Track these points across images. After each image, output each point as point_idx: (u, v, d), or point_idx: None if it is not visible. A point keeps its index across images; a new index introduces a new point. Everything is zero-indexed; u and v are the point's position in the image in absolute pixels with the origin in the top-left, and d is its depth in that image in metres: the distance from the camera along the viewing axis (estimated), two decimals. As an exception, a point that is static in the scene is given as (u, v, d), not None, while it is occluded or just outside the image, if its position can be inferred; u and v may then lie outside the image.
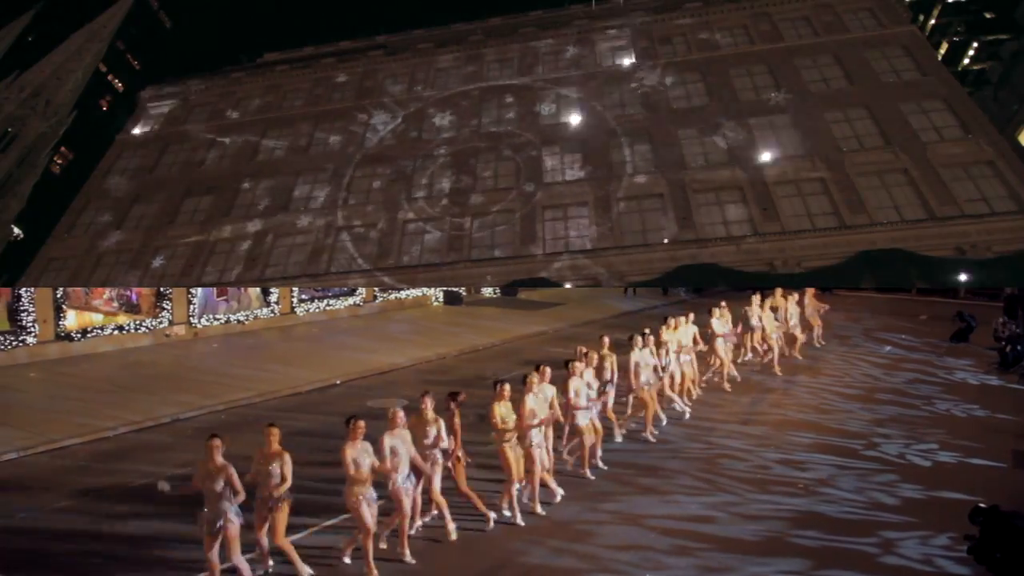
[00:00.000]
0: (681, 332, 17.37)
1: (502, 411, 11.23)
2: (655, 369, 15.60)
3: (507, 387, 11.39)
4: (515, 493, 11.38)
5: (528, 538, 10.97)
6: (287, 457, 9.26)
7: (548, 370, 12.60)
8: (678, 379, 17.09)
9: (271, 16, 47.14)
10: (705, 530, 11.30)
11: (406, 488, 9.95)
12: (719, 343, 19.29)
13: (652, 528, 11.36)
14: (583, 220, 22.82)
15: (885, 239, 20.15)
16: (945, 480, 13.39)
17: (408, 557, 10.08)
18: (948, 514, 11.39)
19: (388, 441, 9.75)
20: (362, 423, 9.47)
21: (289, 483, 9.20)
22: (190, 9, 48.97)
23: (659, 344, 16.31)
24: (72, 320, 21.73)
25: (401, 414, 9.93)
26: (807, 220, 21.32)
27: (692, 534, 11.18)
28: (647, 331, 15.95)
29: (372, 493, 9.50)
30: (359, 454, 9.39)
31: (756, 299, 21.61)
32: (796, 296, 22.99)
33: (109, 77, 46.76)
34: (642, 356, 15.23)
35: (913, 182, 21.56)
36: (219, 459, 8.69)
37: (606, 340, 15.41)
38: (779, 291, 22.19)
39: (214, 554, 8.68)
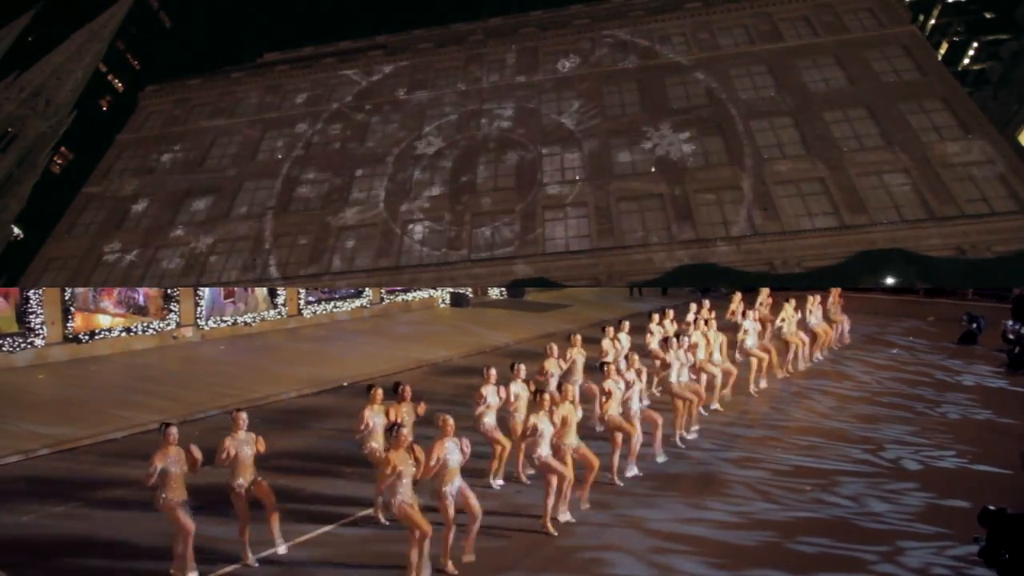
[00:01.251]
0: (713, 333, 17.44)
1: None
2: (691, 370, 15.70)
3: (547, 395, 11.44)
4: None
5: (529, 539, 11.08)
6: (257, 437, 10.02)
7: (523, 367, 12.79)
8: (718, 380, 17.29)
9: (271, 16, 47.02)
10: (708, 535, 11.34)
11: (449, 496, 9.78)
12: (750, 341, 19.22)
13: (653, 533, 11.41)
14: (583, 220, 22.94)
15: (885, 239, 20.24)
16: (953, 484, 13.41)
17: (450, 567, 9.98)
18: (955, 518, 11.49)
19: (438, 449, 9.57)
20: (405, 430, 9.53)
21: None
22: (190, 9, 48.89)
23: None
24: (80, 322, 21.77)
25: (451, 421, 9.84)
26: (807, 220, 21.44)
27: (692, 539, 11.21)
28: (683, 332, 16.12)
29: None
30: (402, 461, 9.33)
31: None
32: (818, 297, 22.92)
33: (109, 77, 46.66)
34: (677, 357, 15.23)
35: (913, 182, 21.69)
36: (176, 445, 9.59)
37: (577, 338, 15.46)
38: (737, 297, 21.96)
39: (189, 520, 9.52)
